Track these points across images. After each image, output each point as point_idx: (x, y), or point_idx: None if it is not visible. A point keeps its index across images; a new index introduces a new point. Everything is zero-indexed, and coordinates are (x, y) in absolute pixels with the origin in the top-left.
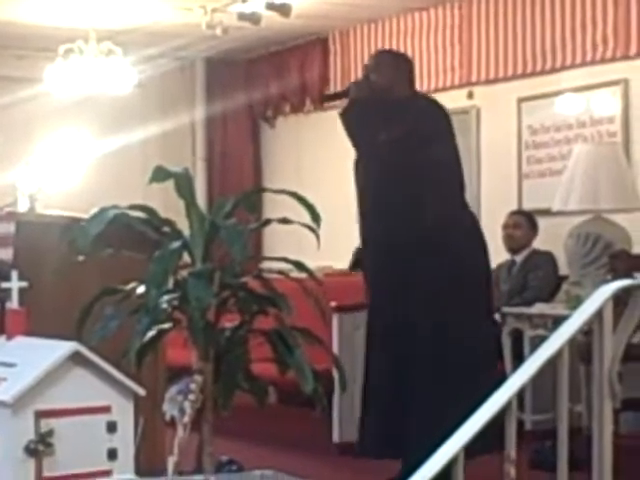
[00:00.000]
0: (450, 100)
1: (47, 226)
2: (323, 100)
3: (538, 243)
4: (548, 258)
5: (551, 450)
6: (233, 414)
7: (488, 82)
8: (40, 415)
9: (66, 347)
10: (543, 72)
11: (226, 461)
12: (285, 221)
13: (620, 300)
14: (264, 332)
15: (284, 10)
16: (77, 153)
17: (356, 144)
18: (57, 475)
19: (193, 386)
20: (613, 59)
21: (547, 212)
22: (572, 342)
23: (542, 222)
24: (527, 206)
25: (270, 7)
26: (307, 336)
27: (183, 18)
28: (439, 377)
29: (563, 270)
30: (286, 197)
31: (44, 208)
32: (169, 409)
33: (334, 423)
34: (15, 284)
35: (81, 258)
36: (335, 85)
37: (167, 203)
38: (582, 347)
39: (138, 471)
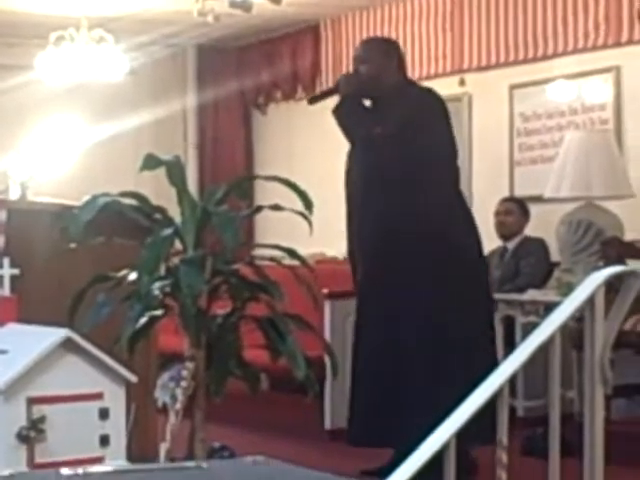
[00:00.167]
0: (442, 87)
1: (38, 214)
2: (311, 101)
3: (530, 230)
4: (540, 245)
5: (542, 436)
6: (225, 400)
7: (480, 69)
8: (32, 402)
9: (58, 334)
10: (535, 59)
11: (218, 447)
12: (277, 208)
13: (612, 287)
14: (256, 319)
15: None
16: (69, 141)
17: (351, 139)
18: (49, 461)
19: (185, 373)
20: (605, 46)
21: (539, 199)
22: (564, 329)
23: (534, 209)
24: (519, 193)
25: None
26: (299, 323)
27: (174, 5)
28: (433, 363)
29: (555, 257)
30: (278, 184)
31: (35, 196)
32: (161, 396)
33: (326, 409)
34: (7, 271)
35: (73, 245)
36: (327, 73)
37: (159, 190)
38: (574, 334)
39: (130, 457)
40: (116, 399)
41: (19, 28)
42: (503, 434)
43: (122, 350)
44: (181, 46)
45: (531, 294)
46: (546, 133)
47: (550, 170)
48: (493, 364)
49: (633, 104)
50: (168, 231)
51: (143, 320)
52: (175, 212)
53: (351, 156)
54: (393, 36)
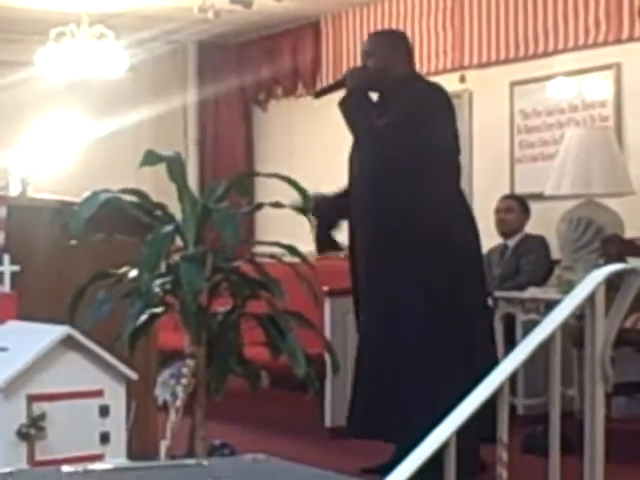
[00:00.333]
0: (442, 84)
1: (39, 210)
2: (316, 95)
3: (530, 227)
4: (540, 242)
5: (543, 434)
6: (225, 398)
7: (480, 66)
8: (32, 399)
9: (58, 331)
10: (535, 56)
11: (218, 445)
12: (277, 205)
13: (612, 284)
14: (256, 316)
15: None
16: (69, 137)
17: (355, 132)
18: (49, 459)
19: (185, 370)
20: (605, 43)
21: (539, 196)
22: (564, 326)
23: (534, 206)
24: (519, 190)
25: None
26: (299, 320)
27: (175, 2)
28: (432, 361)
29: (555, 254)
30: (278, 181)
31: (36, 192)
32: (161, 393)
33: (326, 407)
34: (7, 268)
35: (73, 242)
36: (327, 69)
37: (159, 187)
38: (574, 331)
39: (130, 455)
40: (116, 396)
41: (19, 24)
42: (503, 432)
43: (122, 347)
44: (181, 42)
45: (532, 292)
46: (546, 130)
47: (550, 167)
48: (493, 362)
49: (633, 101)
50: (168, 228)
51: (143, 317)
52: (175, 209)
53: (354, 150)
54: None
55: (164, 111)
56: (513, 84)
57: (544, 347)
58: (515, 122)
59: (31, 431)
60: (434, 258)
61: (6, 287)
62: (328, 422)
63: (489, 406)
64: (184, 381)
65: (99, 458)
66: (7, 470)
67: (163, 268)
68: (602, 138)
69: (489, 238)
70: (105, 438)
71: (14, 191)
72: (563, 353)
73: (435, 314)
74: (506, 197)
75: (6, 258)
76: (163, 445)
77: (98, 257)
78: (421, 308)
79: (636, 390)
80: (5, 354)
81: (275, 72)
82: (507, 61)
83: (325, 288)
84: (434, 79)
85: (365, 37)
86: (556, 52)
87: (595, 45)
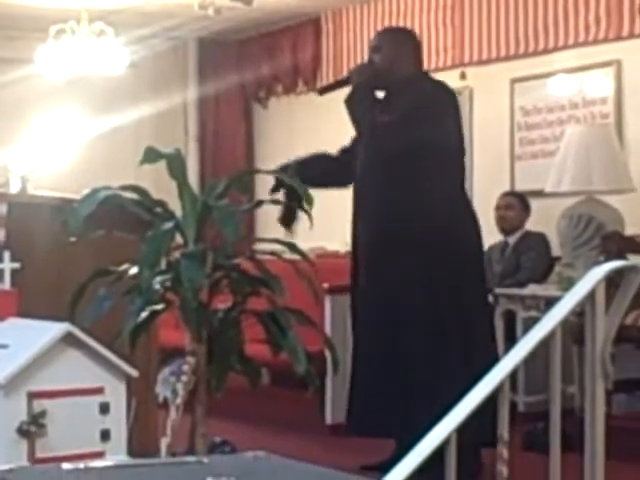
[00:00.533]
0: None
1: (39, 207)
2: (321, 92)
3: (530, 224)
4: (540, 239)
5: (543, 431)
6: (226, 395)
7: (481, 63)
8: (33, 396)
9: (59, 328)
10: (536, 53)
11: (219, 442)
12: (278, 202)
13: (612, 281)
14: (257, 313)
15: None
16: (69, 134)
17: (359, 128)
18: (50, 456)
19: (186, 367)
20: (606, 40)
21: (539, 193)
22: (565, 323)
23: (534, 203)
24: (519, 187)
25: None
26: (300, 317)
27: None
28: (434, 359)
29: (555, 251)
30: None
31: (36, 189)
32: (162, 390)
33: (326, 404)
34: (7, 265)
35: (73, 239)
36: (328, 66)
37: (159, 184)
38: (575, 328)
39: (131, 452)
40: (117, 394)
41: (19, 21)
42: (504, 429)
43: (123, 345)
44: (182, 39)
45: (532, 289)
46: (547, 127)
47: (551, 164)
48: (493, 360)
49: (634, 98)
50: (169, 225)
51: (144, 314)
52: (176, 206)
53: (355, 146)
54: None
55: (164, 108)
56: (513, 81)
57: (544, 344)
58: (515, 119)
59: (31, 428)
60: (434, 258)
61: (6, 284)
62: (328, 419)
63: (489, 409)
64: (184, 378)
65: (99, 455)
66: (7, 467)
67: (163, 265)
68: (602, 135)
69: (489, 235)
70: (105, 435)
71: (14, 188)
72: (563, 350)
73: (435, 313)
74: (506, 194)
75: (6, 255)
76: (163, 442)
77: (98, 254)
78: (421, 308)
79: (636, 387)
80: (5, 351)
81: (275, 69)
82: (507, 58)
83: (325, 285)
84: (434, 76)
85: (366, 34)
86: (556, 49)
87: (595, 42)
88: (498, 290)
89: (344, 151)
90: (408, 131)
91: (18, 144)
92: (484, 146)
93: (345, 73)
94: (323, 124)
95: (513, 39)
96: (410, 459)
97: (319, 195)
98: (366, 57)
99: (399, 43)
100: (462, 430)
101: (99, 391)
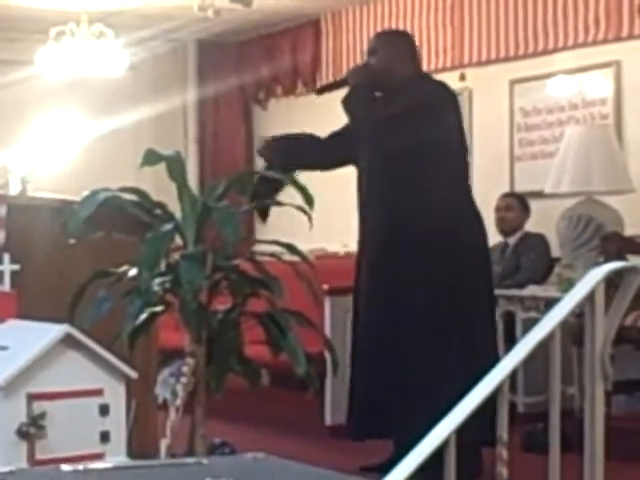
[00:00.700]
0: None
1: (39, 209)
2: (318, 92)
3: (530, 225)
4: (540, 240)
5: (543, 432)
6: (225, 397)
7: (480, 64)
8: (32, 398)
9: (58, 330)
10: (535, 54)
11: (218, 443)
12: (277, 203)
13: (612, 282)
14: (256, 315)
15: None
16: (69, 136)
17: (358, 127)
18: (49, 458)
19: (185, 369)
20: (605, 41)
21: (539, 194)
22: (564, 324)
23: (534, 204)
24: (519, 188)
25: None
26: (299, 319)
27: (175, 0)
28: (435, 357)
29: (555, 252)
30: None
31: (35, 191)
32: (161, 392)
33: (326, 406)
34: (7, 267)
35: (72, 241)
36: (327, 67)
37: (159, 185)
38: (574, 329)
39: (130, 454)
40: (116, 395)
41: (19, 23)
42: (503, 430)
43: (122, 346)
44: (181, 41)
45: (531, 290)
46: (546, 128)
47: (550, 165)
48: (494, 360)
49: (633, 99)
50: (168, 226)
51: (143, 316)
52: (175, 207)
53: (357, 148)
54: None
55: (164, 110)
56: (513, 82)
57: (544, 345)
58: (515, 120)
59: (31, 430)
60: (435, 258)
61: (6, 286)
62: (328, 421)
63: (489, 409)
64: (184, 380)
65: (99, 457)
66: (7, 469)
67: (163, 267)
68: (602, 136)
69: (489, 236)
70: (105, 437)
71: (14, 190)
72: (563, 351)
73: (435, 314)
74: (506, 195)
75: (6, 257)
76: (163, 444)
77: (98, 256)
78: (421, 308)
79: (636, 388)
80: (5, 353)
81: (275, 71)
82: (507, 59)
83: (325, 286)
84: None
85: (365, 35)
86: (556, 50)
87: (595, 43)
88: (497, 291)
89: (333, 136)
90: (409, 131)
91: (18, 145)
92: (484, 147)
93: (343, 74)
94: (322, 125)
95: (513, 40)
96: (410, 460)
97: (319, 196)
98: (365, 59)
99: (395, 45)
100: (462, 430)
101: (99, 393)
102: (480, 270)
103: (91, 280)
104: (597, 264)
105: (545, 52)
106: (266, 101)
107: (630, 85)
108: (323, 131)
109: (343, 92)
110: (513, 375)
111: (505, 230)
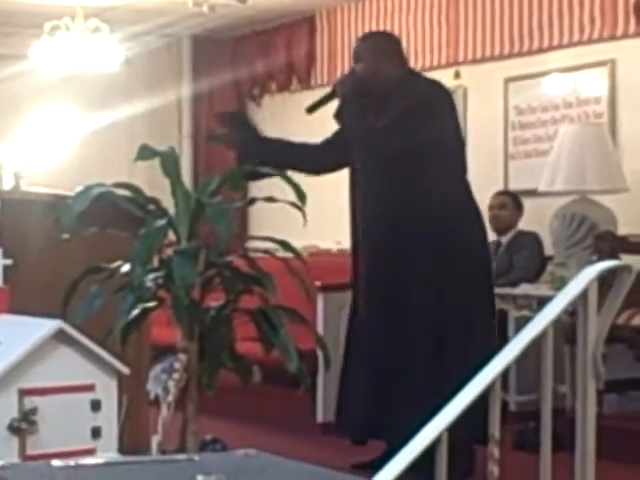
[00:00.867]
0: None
1: (32, 204)
2: (309, 110)
3: (523, 224)
4: (533, 239)
5: (534, 431)
6: (217, 393)
7: (475, 62)
8: (24, 393)
9: (50, 325)
10: (530, 52)
11: (210, 440)
12: (271, 200)
13: (605, 281)
14: (249, 311)
15: None
16: (63, 131)
17: (354, 137)
18: (41, 453)
19: (177, 365)
20: (600, 39)
21: (533, 193)
22: (556, 323)
23: (528, 203)
24: (513, 187)
25: None
26: (292, 315)
27: None
28: (435, 358)
29: (548, 251)
30: None
31: (29, 185)
32: (153, 388)
33: (318, 403)
34: (0, 262)
35: (66, 236)
36: (322, 64)
37: (152, 181)
38: (566, 328)
39: (122, 449)
40: (108, 391)
41: (14, 17)
42: (495, 428)
43: (114, 342)
44: (176, 36)
45: (524, 288)
46: (541, 126)
47: (544, 164)
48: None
49: (628, 98)
50: (161, 222)
51: (136, 312)
52: (169, 203)
53: (354, 154)
54: (388, 27)
55: (158, 105)
56: (508, 80)
57: (536, 344)
58: (509, 118)
59: (22, 425)
60: (435, 258)
61: None
62: (320, 418)
63: (482, 408)
64: (176, 376)
65: (90, 452)
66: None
67: (156, 262)
68: (596, 134)
69: None
70: (96, 432)
71: (7, 185)
72: (555, 350)
73: (435, 313)
74: (500, 193)
75: None
76: (154, 440)
77: (91, 251)
78: (421, 308)
79: (628, 387)
80: None
81: (269, 67)
82: (502, 57)
83: (318, 283)
84: (428, 75)
85: (360, 32)
86: (551, 48)
87: (590, 41)
88: None
89: (325, 143)
90: (407, 133)
91: (12, 140)
92: (478, 145)
93: (331, 87)
94: (317, 122)
95: (507, 38)
96: (401, 457)
97: (312, 193)
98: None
99: (379, 47)
100: (454, 428)
101: (90, 388)
102: (480, 269)
103: (84, 275)
104: (590, 263)
105: (540, 50)
106: (260, 97)
107: (625, 84)
108: (316, 127)
109: (335, 104)
110: (505, 373)
111: (498, 228)
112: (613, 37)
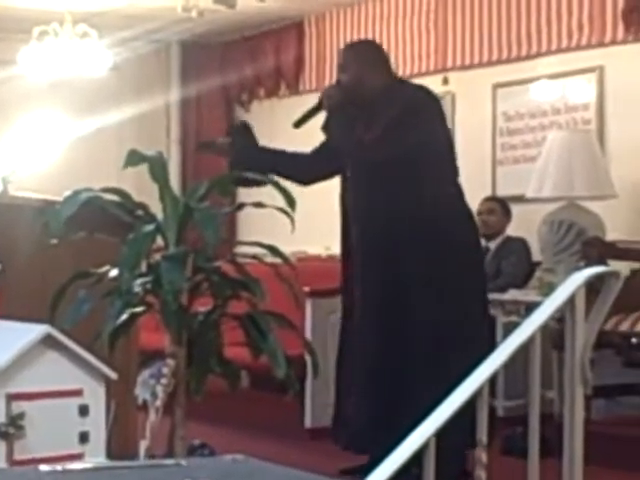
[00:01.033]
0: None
1: (21, 208)
2: (296, 125)
3: (511, 230)
4: (521, 244)
5: (522, 436)
6: (205, 398)
7: (463, 68)
8: (11, 398)
9: (38, 330)
10: (518, 58)
11: (198, 445)
12: (259, 205)
13: (593, 287)
14: (237, 316)
15: None
16: (51, 136)
17: (343, 148)
18: (28, 458)
19: (165, 370)
20: (588, 46)
21: (521, 199)
22: (544, 329)
23: (516, 209)
24: (501, 192)
25: None
26: (280, 321)
27: (158, 1)
28: (435, 360)
29: (536, 257)
30: None
31: (17, 190)
32: (141, 393)
33: (306, 408)
34: None
35: (54, 241)
36: (310, 70)
37: (141, 186)
38: (554, 334)
39: (110, 455)
40: (96, 396)
41: (2, 22)
42: (483, 433)
43: (103, 347)
44: (165, 42)
45: (512, 294)
46: (529, 133)
47: (532, 170)
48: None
49: (616, 104)
50: (150, 227)
51: (124, 317)
52: (157, 208)
53: (345, 165)
54: (377, 34)
55: (147, 110)
56: (496, 86)
57: (524, 349)
58: (497, 124)
59: (10, 430)
60: (428, 260)
61: None
62: (308, 423)
63: (470, 412)
64: (164, 381)
65: (78, 457)
66: None
67: (144, 267)
68: (584, 141)
69: None
70: (84, 437)
71: None
72: (543, 355)
73: (436, 313)
74: (488, 199)
75: None
76: (142, 445)
77: (79, 256)
78: (418, 311)
79: (616, 392)
80: None
81: (258, 72)
82: (490, 63)
83: (306, 289)
84: (416, 81)
85: (348, 38)
86: (539, 55)
87: (578, 48)
88: None
89: (313, 153)
90: (396, 141)
91: (0, 145)
92: (466, 151)
93: (317, 99)
94: (305, 128)
95: (496, 44)
96: (389, 462)
97: (301, 199)
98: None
99: (363, 56)
100: (442, 433)
101: (78, 393)
102: (473, 270)
103: (72, 280)
104: (578, 269)
105: (528, 57)
106: (249, 103)
107: (613, 90)
108: (305, 133)
109: (322, 117)
110: (493, 379)
111: (486, 234)
112: (601, 44)
